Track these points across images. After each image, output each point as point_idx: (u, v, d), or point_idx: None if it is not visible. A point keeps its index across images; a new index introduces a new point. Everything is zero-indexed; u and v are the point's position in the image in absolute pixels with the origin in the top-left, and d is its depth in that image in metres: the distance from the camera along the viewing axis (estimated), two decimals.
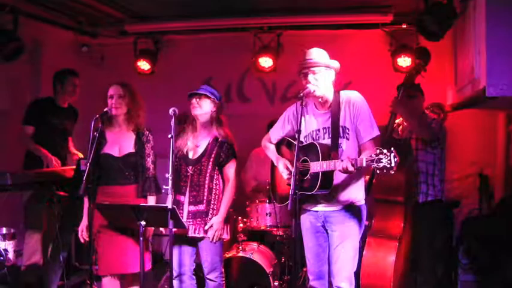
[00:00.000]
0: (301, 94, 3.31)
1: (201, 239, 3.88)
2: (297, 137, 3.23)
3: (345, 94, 3.45)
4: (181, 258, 3.91)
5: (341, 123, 3.38)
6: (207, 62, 6.41)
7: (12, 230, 4.46)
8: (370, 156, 2.93)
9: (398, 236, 4.33)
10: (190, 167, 3.89)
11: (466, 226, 5.12)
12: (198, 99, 3.89)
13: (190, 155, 3.93)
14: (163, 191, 3.52)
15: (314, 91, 3.36)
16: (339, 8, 5.58)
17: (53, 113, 5.03)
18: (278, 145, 3.78)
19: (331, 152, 3.31)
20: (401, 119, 4.62)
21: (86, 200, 3.79)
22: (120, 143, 3.85)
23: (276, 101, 6.54)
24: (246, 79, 6.63)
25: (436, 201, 4.50)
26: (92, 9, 5.72)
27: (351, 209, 3.44)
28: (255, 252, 4.74)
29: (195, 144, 3.95)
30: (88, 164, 3.56)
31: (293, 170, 3.14)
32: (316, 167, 3.24)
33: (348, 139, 3.38)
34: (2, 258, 4.22)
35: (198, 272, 4.01)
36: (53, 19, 5.76)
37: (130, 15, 5.95)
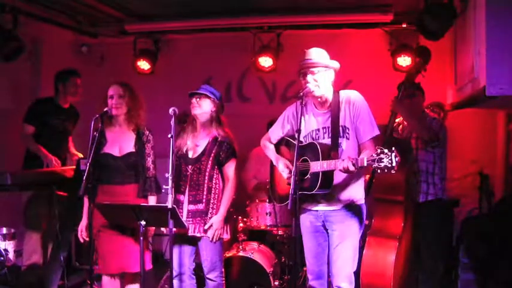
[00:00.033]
0: (301, 93, 3.31)
1: (201, 238, 3.88)
2: (296, 136, 3.23)
3: (344, 94, 3.45)
4: (181, 257, 3.91)
5: (341, 122, 3.39)
6: (207, 62, 6.42)
7: (12, 230, 4.47)
8: (371, 156, 2.93)
9: (398, 236, 4.33)
10: (190, 166, 3.90)
11: (466, 225, 5.12)
12: (198, 99, 3.89)
13: (190, 154, 3.93)
14: (163, 190, 3.52)
15: (313, 91, 3.36)
16: (338, 8, 5.57)
17: (54, 114, 5.03)
18: (277, 145, 3.77)
19: (331, 151, 3.31)
20: (401, 118, 4.62)
21: (85, 200, 3.80)
22: (120, 142, 3.85)
23: (276, 100, 6.55)
24: (246, 79, 6.64)
25: (436, 201, 4.50)
26: (92, 9, 5.72)
27: (351, 208, 3.44)
28: (255, 251, 4.74)
29: (195, 143, 3.96)
30: (88, 164, 3.56)
31: (293, 169, 3.14)
32: (317, 166, 3.24)
33: (347, 139, 3.38)
34: (2, 258, 4.22)
35: (198, 271, 4.01)
36: (52, 19, 5.76)
37: (130, 14, 5.95)
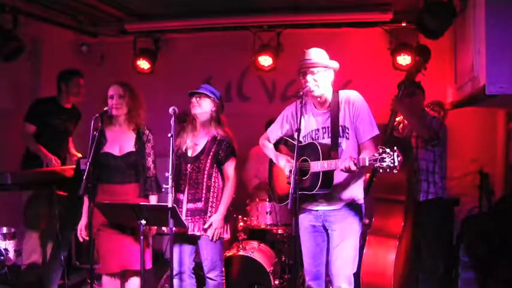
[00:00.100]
0: (301, 92, 3.31)
1: (201, 237, 3.88)
2: (296, 136, 3.23)
3: (344, 93, 3.45)
4: (181, 256, 3.92)
5: (340, 122, 3.38)
6: (207, 61, 6.42)
7: (12, 230, 4.47)
8: (373, 155, 2.92)
9: (399, 235, 4.32)
10: (189, 165, 3.90)
11: (466, 224, 5.12)
12: (198, 98, 3.89)
13: (189, 153, 3.94)
14: (163, 190, 3.52)
15: (313, 91, 3.36)
16: (338, 7, 5.57)
17: (56, 114, 5.02)
18: (275, 144, 3.76)
19: (331, 151, 3.31)
20: (401, 117, 4.62)
21: (85, 199, 3.80)
22: (121, 142, 3.85)
23: (276, 99, 6.55)
24: (246, 78, 6.63)
25: (436, 200, 4.50)
26: (93, 9, 5.72)
27: (352, 207, 3.44)
28: (255, 251, 4.74)
29: (194, 142, 3.96)
30: (88, 163, 3.56)
31: (293, 169, 3.14)
32: (317, 166, 3.24)
33: (347, 138, 3.38)
34: (2, 257, 4.23)
35: (198, 270, 4.01)
36: (52, 18, 5.76)
37: (131, 14, 5.95)
